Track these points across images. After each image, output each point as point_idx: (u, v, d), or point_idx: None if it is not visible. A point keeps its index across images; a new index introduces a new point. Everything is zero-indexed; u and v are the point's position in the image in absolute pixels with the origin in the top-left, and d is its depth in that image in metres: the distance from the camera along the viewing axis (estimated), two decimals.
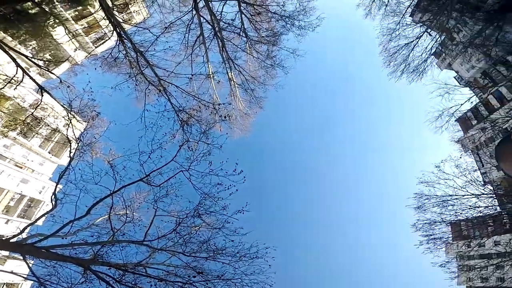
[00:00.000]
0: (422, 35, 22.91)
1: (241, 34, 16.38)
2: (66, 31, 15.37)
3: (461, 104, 19.58)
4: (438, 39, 24.25)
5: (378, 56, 24.50)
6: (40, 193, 24.66)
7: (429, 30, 23.26)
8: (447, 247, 17.88)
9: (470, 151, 20.22)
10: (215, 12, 14.98)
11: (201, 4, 14.28)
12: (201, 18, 14.78)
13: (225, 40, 16.18)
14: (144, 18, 16.28)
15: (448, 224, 17.69)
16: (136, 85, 13.62)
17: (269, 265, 9.58)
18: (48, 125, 16.78)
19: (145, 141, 10.76)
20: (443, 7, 21.42)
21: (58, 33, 15.90)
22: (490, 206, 15.85)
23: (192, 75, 15.05)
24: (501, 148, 0.96)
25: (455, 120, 21.12)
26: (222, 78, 16.85)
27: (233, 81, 17.31)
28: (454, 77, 26.90)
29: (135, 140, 11.44)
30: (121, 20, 14.04)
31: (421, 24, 24.16)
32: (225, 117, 14.16)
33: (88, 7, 17.14)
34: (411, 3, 25.64)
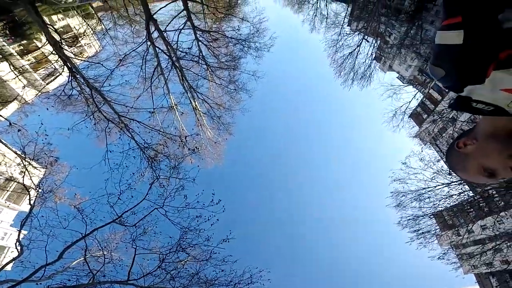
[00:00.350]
0: (361, 42, 25.86)
1: (200, 61, 17.01)
2: (11, 67, 14.41)
3: (409, 102, 21.62)
4: (375, 44, 27.47)
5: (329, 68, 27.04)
6: (2, 239, 23.89)
7: (366, 37, 26.38)
8: (438, 239, 17.96)
9: (428, 143, 21.81)
10: (170, 42, 15.25)
11: (155, 34, 14.49)
12: (157, 49, 14.88)
13: (184, 69, 16.48)
14: (97, 51, 15.99)
15: (431, 217, 17.99)
16: (95, 124, 13.18)
17: None
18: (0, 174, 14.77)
19: (113, 183, 10.74)
20: (372, 13, 24.81)
21: (3, 69, 14.73)
22: (462, 192, 16.57)
23: (154, 108, 14.92)
24: (450, 159, 1.03)
25: (409, 117, 23.08)
26: (186, 109, 17.00)
27: (198, 110, 17.39)
28: (397, 77, 30.20)
29: (102, 182, 11.43)
30: (71, 55, 13.50)
31: (359, 32, 27.44)
32: (194, 149, 13.99)
33: (34, 41, 16.46)
34: (346, 13, 29.32)
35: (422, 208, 17.31)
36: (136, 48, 14.76)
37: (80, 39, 16.96)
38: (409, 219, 17.57)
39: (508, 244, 13.53)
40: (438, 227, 18.22)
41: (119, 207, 9.73)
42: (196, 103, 17.22)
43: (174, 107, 16.16)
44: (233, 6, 20.25)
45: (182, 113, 16.47)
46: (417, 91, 23.92)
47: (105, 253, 10.56)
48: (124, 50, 15.54)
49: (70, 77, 12.29)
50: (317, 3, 33.15)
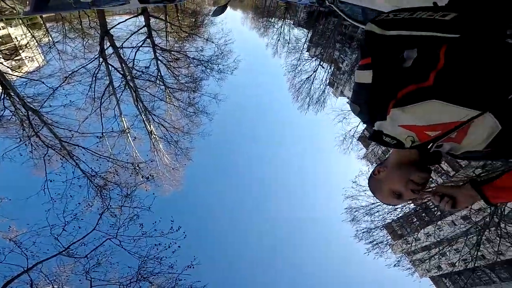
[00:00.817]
0: (317, 68, 28.01)
1: (157, 82, 16.32)
2: None
3: (357, 126, 23.89)
4: (329, 70, 30.00)
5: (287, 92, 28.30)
6: None
7: (322, 63, 28.72)
8: (392, 248, 19.55)
9: (374, 163, 24.31)
10: (126, 60, 14.46)
11: (110, 51, 13.62)
12: (110, 66, 13.96)
13: (139, 89, 15.65)
14: (39, 66, 14.15)
15: (382, 228, 19.59)
16: (31, 151, 11.74)
17: None
18: None
19: (55, 214, 9.81)
20: (329, 40, 27.32)
21: None
22: (406, 205, 18.59)
23: (103, 132, 13.64)
24: (369, 184, 1.20)
25: (357, 140, 25.42)
26: (140, 133, 15.83)
27: (154, 134, 16.38)
28: (347, 103, 33.31)
29: (42, 213, 10.18)
30: (7, 69, 11.79)
31: (316, 57, 29.74)
32: (148, 177, 13.31)
33: None
34: (306, 39, 31.73)
35: (374, 221, 18.82)
36: (86, 65, 13.83)
37: (20, 51, 14.89)
38: (364, 232, 18.79)
39: (449, 248, 15.44)
40: (390, 237, 19.98)
41: (65, 239, 9.50)
42: (152, 126, 16.26)
43: (127, 131, 15.02)
44: (199, 26, 20.30)
45: (135, 137, 15.26)
46: None
47: (55, 286, 9.99)
48: (72, 66, 14.30)
49: (3, 95, 10.69)
50: (281, 27, 35.70)
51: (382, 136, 1.03)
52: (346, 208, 19.28)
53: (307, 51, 33.42)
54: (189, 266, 10.01)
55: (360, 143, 28.23)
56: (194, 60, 17.73)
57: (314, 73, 29.49)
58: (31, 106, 11.54)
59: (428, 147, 1.01)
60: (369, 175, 1.20)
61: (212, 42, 18.77)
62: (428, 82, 0.90)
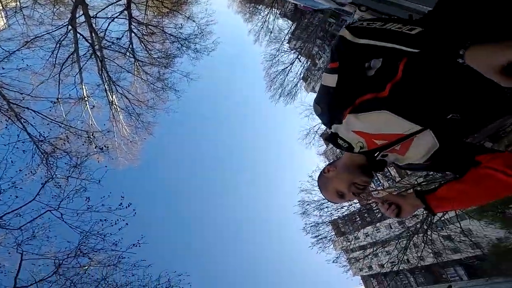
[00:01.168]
0: (294, 61, 28.21)
1: (127, 54, 15.42)
2: None
3: (321, 123, 24.79)
4: (305, 65, 30.36)
5: (262, 80, 28.23)
6: None
7: (299, 57, 28.91)
8: (334, 244, 21.12)
9: (332, 160, 25.68)
10: (97, 29, 13.24)
11: (82, 19, 12.42)
12: (78, 35, 12.77)
13: (106, 60, 14.56)
14: None
15: (328, 224, 20.97)
16: None
17: None
18: None
19: None
20: (311, 35, 27.42)
21: None
22: (352, 204, 20.01)
23: (58, 98, 12.71)
24: (318, 180, 1.24)
25: (319, 136, 26.50)
26: (101, 102, 14.96)
27: (115, 105, 15.52)
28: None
29: None
30: None
31: (295, 50, 29.79)
32: (102, 148, 12.63)
33: None
34: (289, 30, 31.54)
35: (322, 216, 20.09)
36: (53, 31, 12.69)
37: None
38: (312, 226, 19.91)
39: (382, 250, 17.17)
40: (334, 233, 21.56)
41: None
42: (114, 97, 15.33)
43: (85, 98, 14.08)
44: (182, 3, 18.94)
45: (94, 106, 14.40)
46: None
47: None
48: (36, 32, 13.10)
49: None
50: (267, 15, 34.84)
51: (337, 139, 1.12)
52: (299, 201, 20.27)
53: (287, 43, 33.41)
54: (135, 245, 9.54)
55: (322, 139, 29.70)
56: (171, 37, 16.92)
57: (291, 65, 29.76)
58: None
59: (375, 155, 1.10)
60: (320, 173, 1.28)
61: (193, 21, 17.98)
62: (384, 93, 0.97)
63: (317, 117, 1.17)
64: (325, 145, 28.35)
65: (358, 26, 0.96)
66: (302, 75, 30.89)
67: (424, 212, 13.61)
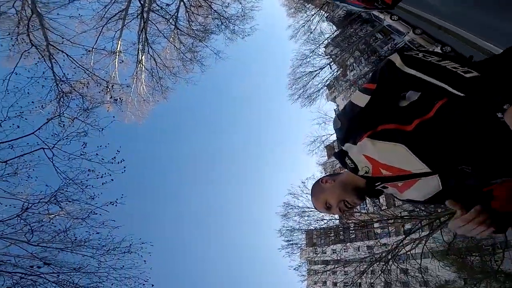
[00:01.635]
0: (325, 67, 28.29)
1: (170, 21, 16.22)
2: None
3: (330, 135, 24.99)
4: (335, 74, 30.23)
5: (286, 77, 28.41)
6: None
7: (332, 64, 28.92)
8: (301, 252, 21.37)
9: (328, 173, 25.73)
10: None
11: None
12: None
13: (149, 22, 15.57)
14: None
15: (304, 232, 21.22)
16: (13, 44, 11.86)
17: (144, 261, 9.37)
18: None
19: (1, 106, 8.51)
20: (352, 45, 27.34)
21: None
22: (332, 219, 20.11)
23: (93, 48, 13.79)
24: (313, 187, 1.34)
25: (324, 147, 26.63)
26: (129, 59, 16.04)
27: (142, 64, 16.50)
28: (334, 110, 34.29)
29: None
30: None
31: (329, 56, 29.76)
32: (116, 99, 13.55)
33: None
34: (330, 35, 31.55)
35: (300, 223, 20.37)
36: None
37: None
38: (288, 230, 20.27)
39: (341, 269, 17.34)
40: (305, 242, 21.79)
41: None
42: (143, 57, 16.31)
43: (117, 53, 15.11)
44: None
45: (122, 61, 15.48)
46: None
47: None
48: None
49: None
50: (313, 16, 34.93)
51: (345, 157, 1.14)
52: (284, 203, 20.66)
53: (324, 47, 33.33)
54: (112, 203, 9.09)
55: (326, 150, 29.76)
56: (215, 13, 17.54)
57: (320, 70, 29.65)
58: (39, 10, 11.50)
59: (376, 184, 1.12)
60: (317, 180, 1.33)
61: (240, 3, 18.52)
62: (409, 127, 0.98)
63: (333, 129, 1.20)
64: (326, 157, 28.49)
65: (413, 56, 0.96)
66: (328, 83, 31.04)
67: (395, 242, 13.90)
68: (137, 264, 9.19)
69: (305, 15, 35.70)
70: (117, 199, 9.12)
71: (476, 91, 0.82)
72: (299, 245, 20.58)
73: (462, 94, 0.83)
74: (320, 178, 1.31)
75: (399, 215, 16.01)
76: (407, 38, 17.00)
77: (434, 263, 13.70)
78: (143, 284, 9.08)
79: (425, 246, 13.39)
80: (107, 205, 9.03)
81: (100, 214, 9.09)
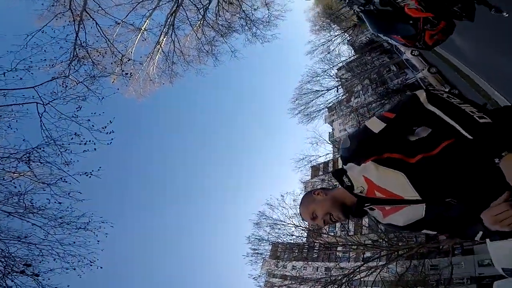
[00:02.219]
0: (332, 89, 29.09)
1: (200, 10, 17.23)
2: None
3: (319, 156, 25.93)
4: (340, 97, 30.94)
5: (292, 90, 29.17)
6: None
7: (339, 87, 29.79)
8: (263, 263, 21.71)
9: (307, 191, 26.46)
10: None
11: None
12: None
13: (181, 7, 16.60)
14: None
15: (271, 244, 21.63)
16: (52, 5, 12.57)
17: (98, 241, 8.91)
18: None
19: (13, 58, 8.41)
20: (364, 72, 28.26)
21: None
22: (300, 236, 20.57)
23: (122, 21, 14.82)
24: (304, 196, 1.44)
25: (310, 167, 27.39)
26: (151, 38, 16.88)
27: (161, 46, 17.33)
28: (329, 133, 35.27)
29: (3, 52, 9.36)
30: None
31: (339, 79, 30.49)
32: (126, 73, 14.28)
33: None
34: (346, 59, 32.37)
35: (270, 234, 20.81)
36: None
37: None
38: (256, 238, 20.62)
39: (297, 286, 17.77)
40: (269, 253, 22.20)
41: None
42: (164, 39, 17.19)
43: (142, 30, 16.01)
44: None
45: (145, 39, 16.40)
46: (332, 152, 28.51)
47: None
48: None
49: None
50: (335, 37, 36.04)
51: (343, 175, 1.24)
52: (259, 212, 21.17)
53: (337, 69, 34.36)
54: (86, 174, 8.64)
55: (311, 171, 30.54)
56: (243, 13, 18.60)
57: (326, 91, 30.57)
58: None
59: (366, 204, 1.22)
60: (309, 191, 1.45)
61: (268, 9, 19.62)
62: (412, 160, 1.08)
63: (341, 147, 1.32)
64: (310, 177, 29.18)
65: (438, 95, 1.07)
66: (330, 105, 32.04)
67: (353, 267, 14.55)
68: (88, 243, 8.72)
69: (328, 34, 37.06)
70: (93, 170, 8.72)
71: (484, 136, 0.94)
72: (264, 256, 21.01)
73: (471, 137, 0.95)
74: (313, 190, 1.41)
75: (363, 242, 16.71)
76: (419, 75, 18.01)
77: None
78: (90, 265, 8.58)
79: (378, 275, 14.28)
80: (80, 175, 8.57)
81: (69, 183, 8.57)
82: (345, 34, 37.76)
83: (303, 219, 1.38)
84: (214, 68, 19.77)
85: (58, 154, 8.42)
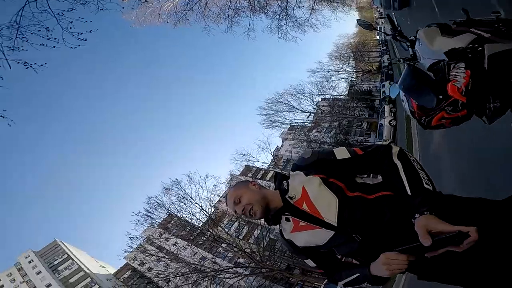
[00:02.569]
0: (306, 112, 32.17)
1: None
2: None
3: (258, 161, 29.20)
4: (305, 123, 33.89)
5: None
6: None
7: (312, 114, 32.71)
8: (148, 228, 21.35)
9: (231, 184, 26.93)
10: None
11: None
12: None
13: None
14: None
15: (168, 213, 21.26)
16: None
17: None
18: None
19: None
20: (339, 115, 31.21)
21: None
22: (199, 220, 20.70)
23: None
24: (240, 185, 1.49)
25: (245, 165, 28.86)
26: None
27: None
28: (277, 146, 37.95)
29: None
30: None
31: (317, 107, 33.21)
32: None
33: None
34: (336, 95, 35.45)
35: (173, 204, 20.15)
36: None
37: None
38: (157, 202, 19.97)
39: (168, 260, 17.58)
40: (160, 221, 21.69)
41: None
42: None
43: None
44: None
45: None
46: (268, 163, 30.90)
47: None
48: None
49: None
50: (344, 72, 38.54)
51: (285, 179, 1.38)
52: (176, 179, 20.58)
53: (322, 98, 35.60)
54: (26, 63, 7.22)
55: (243, 168, 31.95)
56: (285, 3, 18.06)
57: (300, 112, 32.11)
58: None
59: (286, 212, 1.32)
60: (247, 180, 1.58)
61: (310, 14, 19.43)
62: (350, 193, 1.23)
63: (300, 155, 1.43)
64: (239, 173, 29.89)
65: (407, 155, 1.23)
66: (294, 124, 33.64)
67: (224, 266, 14.87)
68: None
69: (339, 66, 38.80)
70: (35, 63, 7.52)
71: (419, 195, 1.08)
72: (154, 222, 20.44)
73: (409, 193, 1.11)
74: (250, 180, 1.52)
75: (243, 248, 17.35)
76: (379, 143, 18.63)
77: None
78: None
79: (238, 281, 14.83)
80: (18, 62, 7.39)
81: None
82: (354, 74, 39.40)
83: (226, 200, 1.20)
84: (222, 33, 19.67)
85: (12, 38, 7.47)
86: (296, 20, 19.02)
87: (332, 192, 1.22)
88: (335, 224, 1.19)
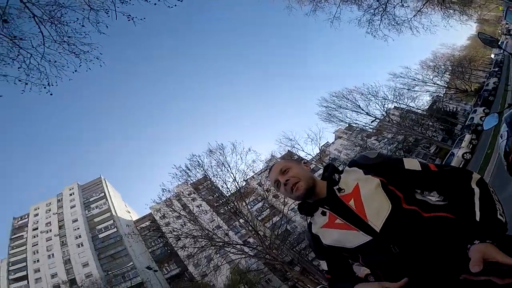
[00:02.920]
0: (371, 116, 30.28)
1: None
2: None
3: (303, 150, 27.80)
4: (366, 128, 31.88)
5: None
6: None
7: (376, 120, 31.10)
8: (181, 184, 22.45)
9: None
10: None
11: None
12: None
13: None
14: None
15: (204, 175, 22.62)
16: None
17: (75, 70, 8.39)
18: None
19: None
20: (408, 129, 30.09)
21: None
22: (228, 189, 21.92)
23: None
24: (295, 160, 1.47)
25: (288, 149, 29.34)
26: None
27: None
28: (327, 142, 37.61)
29: None
30: None
31: (386, 114, 31.40)
32: None
33: None
34: (413, 107, 33.18)
35: (211, 168, 21.44)
36: None
37: None
38: (197, 162, 21.83)
39: (187, 221, 18.54)
40: (194, 181, 22.97)
41: None
42: None
43: None
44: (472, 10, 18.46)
45: None
46: (311, 156, 29.57)
47: None
48: None
49: None
50: (433, 85, 36.21)
51: (336, 172, 1.35)
52: (221, 144, 21.59)
53: (395, 106, 33.38)
54: (129, 16, 7.91)
55: (285, 153, 31.29)
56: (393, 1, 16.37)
57: (366, 114, 30.25)
58: None
59: (326, 206, 1.30)
60: (302, 158, 2.10)
61: (413, 16, 17.47)
62: (405, 205, 1.20)
63: (366, 154, 1.41)
64: (279, 155, 29.70)
65: (487, 184, 1.20)
66: (353, 125, 31.63)
67: (234, 240, 15.51)
68: (67, 68, 8.04)
69: (429, 77, 35.94)
70: (136, 16, 7.95)
71: (487, 223, 1.05)
72: (188, 180, 21.65)
73: (478, 219, 1.07)
74: (304, 160, 2.03)
75: (257, 230, 17.87)
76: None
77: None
78: (44, 87, 7.79)
79: (240, 260, 15.47)
80: (123, 15, 7.85)
81: (109, 16, 7.91)
82: (443, 89, 35.84)
83: (270, 170, 1.39)
84: (302, 15, 18.18)
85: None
86: (394, 19, 17.11)
87: (388, 198, 1.19)
88: (378, 230, 1.16)
